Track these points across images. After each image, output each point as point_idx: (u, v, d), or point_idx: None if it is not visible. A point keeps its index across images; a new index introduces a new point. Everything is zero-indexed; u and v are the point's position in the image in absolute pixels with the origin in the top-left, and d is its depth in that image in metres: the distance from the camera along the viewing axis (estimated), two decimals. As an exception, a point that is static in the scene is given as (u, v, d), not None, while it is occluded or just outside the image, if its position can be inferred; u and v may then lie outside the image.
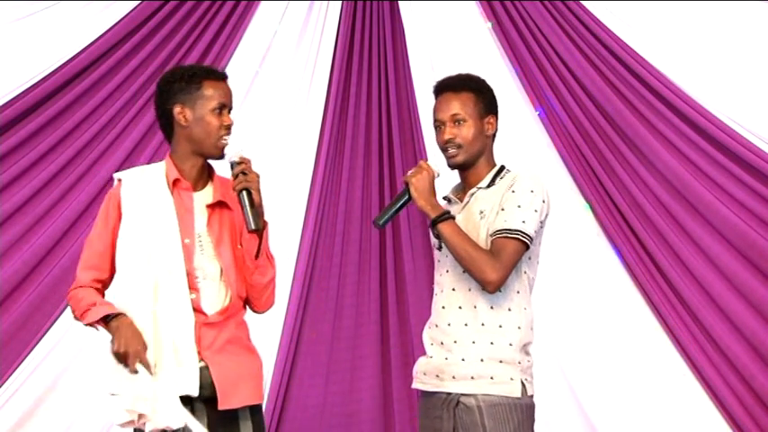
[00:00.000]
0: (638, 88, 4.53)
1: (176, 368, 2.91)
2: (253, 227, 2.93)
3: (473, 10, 4.78)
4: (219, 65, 4.67)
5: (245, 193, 2.93)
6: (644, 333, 4.54)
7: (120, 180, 3.08)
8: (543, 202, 2.99)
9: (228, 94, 3.05)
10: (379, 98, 4.84)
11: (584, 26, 4.61)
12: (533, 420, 3.02)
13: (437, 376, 3.01)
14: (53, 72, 4.57)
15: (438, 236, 2.98)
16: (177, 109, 3.01)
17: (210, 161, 3.09)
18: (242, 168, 2.94)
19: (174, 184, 3.04)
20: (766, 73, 4.39)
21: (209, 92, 3.00)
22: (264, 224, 3.00)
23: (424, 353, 3.09)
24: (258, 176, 2.96)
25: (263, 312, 3.15)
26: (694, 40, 4.49)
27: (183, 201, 3.03)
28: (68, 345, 4.50)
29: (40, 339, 4.47)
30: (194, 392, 2.91)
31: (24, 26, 4.54)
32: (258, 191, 2.94)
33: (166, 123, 3.06)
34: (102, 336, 3.00)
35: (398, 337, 4.74)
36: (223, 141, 2.99)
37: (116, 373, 2.91)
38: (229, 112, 3.04)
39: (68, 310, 4.39)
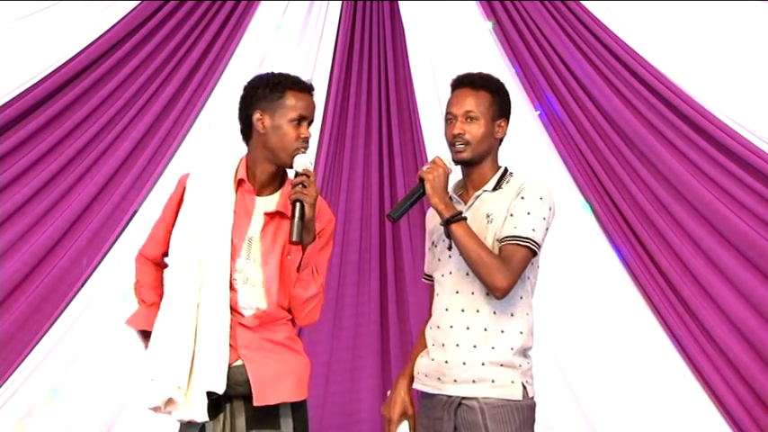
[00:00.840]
0: (638, 88, 4.53)
1: (209, 364, 2.95)
2: (294, 239, 2.93)
3: (473, 10, 4.78)
4: (219, 65, 4.68)
5: (297, 204, 2.93)
6: (644, 333, 4.54)
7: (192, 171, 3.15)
8: (550, 209, 3.01)
9: (310, 106, 3.06)
10: (379, 98, 4.84)
11: (584, 26, 4.61)
12: (533, 420, 3.03)
13: (438, 379, 3.01)
14: (53, 72, 4.57)
15: (449, 235, 2.97)
16: (257, 115, 3.04)
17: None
18: (302, 180, 2.94)
19: (239, 184, 3.07)
20: (766, 73, 4.39)
21: (291, 102, 3.02)
22: (313, 238, 2.99)
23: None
24: (317, 192, 2.96)
25: (304, 326, 3.18)
26: (694, 40, 4.49)
27: (244, 201, 3.06)
28: (68, 345, 4.50)
29: (40, 339, 4.46)
30: (220, 390, 2.94)
31: (24, 26, 4.54)
32: (312, 206, 2.93)
33: (245, 127, 3.09)
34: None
35: (398, 337, 4.73)
36: (297, 152, 3.00)
37: (155, 360, 2.98)
38: (310, 125, 3.05)
39: (68, 310, 4.47)
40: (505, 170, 3.10)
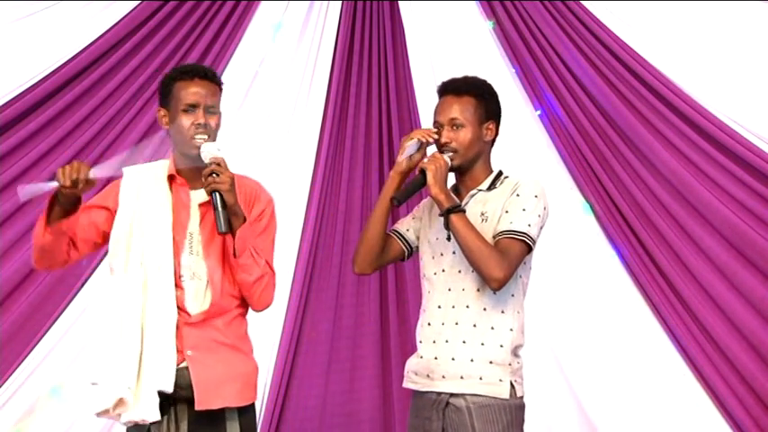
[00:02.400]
0: (638, 88, 4.53)
1: (157, 363, 2.91)
2: (221, 230, 2.90)
3: (473, 10, 4.78)
4: (219, 65, 4.68)
5: (215, 194, 2.90)
6: (644, 333, 4.54)
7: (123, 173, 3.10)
8: (545, 208, 3.02)
9: (201, 92, 3.00)
10: (379, 98, 4.84)
11: (584, 26, 4.61)
12: (522, 420, 3.03)
13: (427, 376, 3.03)
14: (53, 72, 4.57)
15: (448, 226, 2.98)
16: (160, 113, 3.06)
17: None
18: (212, 170, 2.90)
19: (171, 180, 3.05)
20: (766, 73, 4.40)
21: (179, 93, 3.00)
22: (243, 220, 2.94)
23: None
24: (231, 177, 2.91)
25: (260, 311, 3.09)
26: (694, 40, 4.49)
27: (180, 197, 3.04)
28: (68, 345, 4.50)
29: (40, 339, 4.47)
30: (168, 389, 2.90)
31: (24, 26, 4.54)
32: (230, 192, 2.90)
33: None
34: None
35: (398, 337, 4.74)
36: (196, 140, 2.96)
37: (99, 362, 2.94)
38: (210, 111, 3.00)
39: (68, 310, 4.47)
40: (499, 172, 3.12)
